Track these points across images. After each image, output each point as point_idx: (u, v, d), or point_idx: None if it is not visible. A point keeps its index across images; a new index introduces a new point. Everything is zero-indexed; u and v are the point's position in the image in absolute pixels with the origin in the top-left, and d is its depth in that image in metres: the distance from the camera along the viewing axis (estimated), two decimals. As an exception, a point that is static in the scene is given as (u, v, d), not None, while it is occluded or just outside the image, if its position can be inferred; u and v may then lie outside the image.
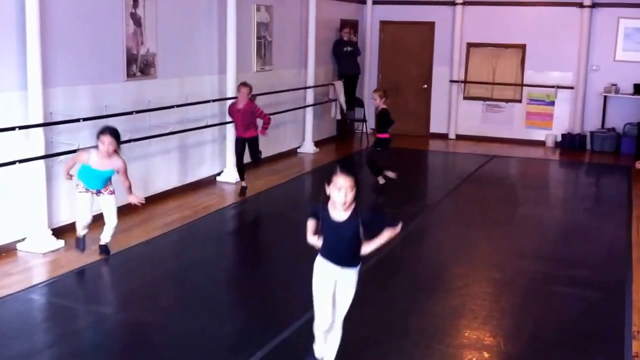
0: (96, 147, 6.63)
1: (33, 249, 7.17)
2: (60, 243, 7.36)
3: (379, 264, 6.83)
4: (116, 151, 6.68)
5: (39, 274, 6.79)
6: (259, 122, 9.69)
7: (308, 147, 13.42)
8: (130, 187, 6.89)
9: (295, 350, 5.11)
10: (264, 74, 11.82)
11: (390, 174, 10.53)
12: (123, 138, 8.24)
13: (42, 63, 7.08)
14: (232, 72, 10.42)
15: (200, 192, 9.89)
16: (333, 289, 4.48)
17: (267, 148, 12.10)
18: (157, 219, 8.52)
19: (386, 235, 4.46)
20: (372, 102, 11.09)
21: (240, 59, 10.61)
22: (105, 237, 7.06)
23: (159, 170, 9.41)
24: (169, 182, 9.60)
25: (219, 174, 10.72)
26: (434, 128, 15.73)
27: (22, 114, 7.09)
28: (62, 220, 7.72)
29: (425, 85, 15.68)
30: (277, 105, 11.95)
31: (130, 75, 8.63)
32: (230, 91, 10.37)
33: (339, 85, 14.23)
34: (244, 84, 9.41)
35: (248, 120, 9.44)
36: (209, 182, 10.45)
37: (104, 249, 7.10)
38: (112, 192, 6.90)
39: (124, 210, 7.87)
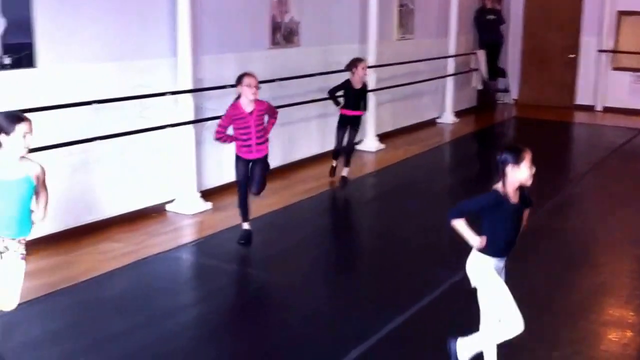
0: None
1: (182, 210, 7.51)
2: (208, 205, 7.66)
3: (520, 238, 6.64)
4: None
5: (187, 234, 7.10)
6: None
7: (448, 117, 13.21)
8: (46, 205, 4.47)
9: (435, 316, 5.09)
10: (404, 42, 11.70)
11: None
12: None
13: (191, 31, 7.35)
14: (373, 40, 10.39)
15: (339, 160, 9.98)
16: None
17: (406, 118, 12.06)
18: (297, 185, 8.68)
19: (527, 217, 4.19)
20: (357, 73, 8.50)
21: (381, 28, 10.57)
22: None
23: (300, 138, 9.56)
24: (310, 150, 9.74)
25: (358, 143, 10.76)
26: (579, 99, 15.02)
27: (172, 80, 7.40)
28: (210, 183, 8.03)
29: (572, 55, 14.99)
30: (416, 74, 11.82)
31: (274, 43, 8.80)
32: (372, 59, 10.35)
33: (481, 54, 13.88)
34: (250, 74, 6.35)
35: (261, 127, 6.46)
36: (348, 150, 10.51)
37: None
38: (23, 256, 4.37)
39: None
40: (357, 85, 8.55)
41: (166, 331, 4.97)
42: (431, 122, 12.98)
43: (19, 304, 5.17)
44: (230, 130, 6.41)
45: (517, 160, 3.87)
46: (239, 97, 6.36)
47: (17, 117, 4.21)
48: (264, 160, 6.56)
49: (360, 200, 8.57)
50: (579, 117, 14.34)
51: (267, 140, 6.51)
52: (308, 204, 8.10)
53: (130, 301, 5.48)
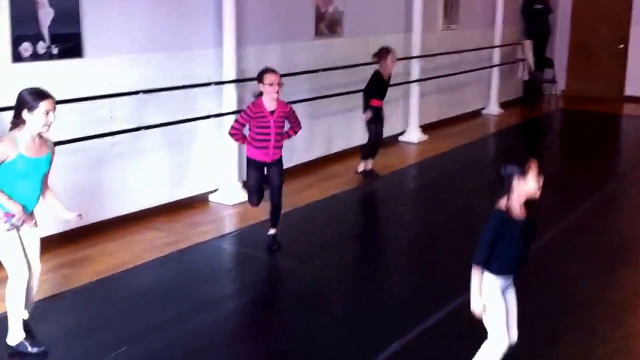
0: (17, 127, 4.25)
1: (224, 200, 7.56)
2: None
3: (562, 235, 6.56)
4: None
5: (228, 225, 7.16)
6: None
7: (493, 108, 13.05)
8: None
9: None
10: (449, 32, 11.58)
11: None
12: (308, 96, 8.48)
13: (236, 22, 7.37)
14: (418, 30, 10.31)
15: (382, 152, 9.90)
16: None
17: (450, 109, 11.95)
18: (337, 177, 8.66)
19: None
20: (386, 63, 8.35)
21: (426, 17, 10.47)
22: (29, 308, 4.53)
23: (342, 129, 9.54)
24: (351, 141, 9.71)
25: (401, 134, 10.71)
26: (629, 91, 14.66)
27: (216, 71, 7.44)
28: (251, 173, 8.06)
29: (622, 46, 14.65)
30: (461, 65, 11.69)
31: (318, 33, 8.79)
32: (416, 50, 10.28)
33: (528, 44, 13.66)
34: (272, 71, 5.97)
35: (280, 131, 6.07)
36: (391, 142, 10.45)
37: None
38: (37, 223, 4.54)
39: (303, 168, 8.09)
40: (386, 76, 8.43)
41: (207, 322, 5.01)
42: (476, 113, 12.83)
43: (63, 292, 5.32)
44: (245, 130, 6.08)
45: (523, 172, 3.61)
46: (259, 94, 5.98)
47: (41, 93, 4.22)
48: (280, 163, 6.14)
49: (400, 192, 8.53)
50: (628, 109, 14.01)
51: (282, 145, 6.11)
52: (348, 196, 8.09)
53: (172, 291, 5.55)
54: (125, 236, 6.51)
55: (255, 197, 6.19)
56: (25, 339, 4.40)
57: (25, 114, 4.17)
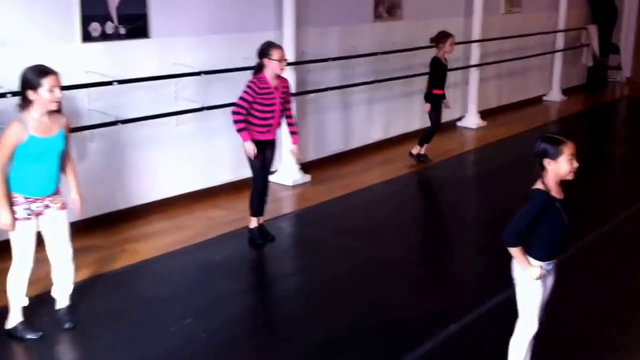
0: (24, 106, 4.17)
1: (283, 181, 7.63)
2: (307, 177, 7.75)
3: (627, 223, 6.43)
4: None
5: (287, 205, 7.22)
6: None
7: (555, 95, 12.82)
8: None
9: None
10: (511, 16, 11.41)
11: None
12: (367, 79, 8.48)
13: (296, 5, 7.40)
14: (479, 14, 10.18)
15: (440, 136, 9.84)
16: None
17: (511, 95, 11.79)
18: (397, 161, 8.65)
19: None
20: (444, 48, 8.23)
21: (487, 1, 10.32)
22: (65, 292, 4.59)
23: (401, 113, 9.51)
24: (411, 125, 9.67)
25: (459, 119, 10.62)
26: (699, 78, 14.27)
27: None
28: (310, 156, 8.12)
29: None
30: (523, 50, 11.52)
31: (377, 16, 8.77)
32: (477, 34, 10.17)
33: (593, 29, 13.36)
34: (278, 46, 5.76)
35: (282, 107, 5.87)
36: (450, 126, 10.37)
37: (69, 316, 4.58)
38: (65, 205, 4.46)
39: (362, 151, 8.09)
40: (444, 60, 8.32)
41: (269, 297, 5.11)
42: (537, 100, 12.63)
43: (134, 265, 5.49)
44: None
45: (556, 154, 3.51)
46: (258, 69, 5.71)
47: (44, 70, 4.11)
48: (274, 145, 5.95)
49: (457, 178, 8.45)
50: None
51: (281, 122, 5.92)
52: (407, 179, 8.08)
53: (235, 267, 5.66)
54: (194, 212, 6.70)
55: (261, 178, 5.95)
56: (21, 323, 4.42)
57: (30, 94, 4.07)
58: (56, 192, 4.35)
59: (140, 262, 5.58)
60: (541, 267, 3.64)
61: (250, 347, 4.50)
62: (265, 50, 5.67)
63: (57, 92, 4.12)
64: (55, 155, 4.26)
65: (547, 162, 3.53)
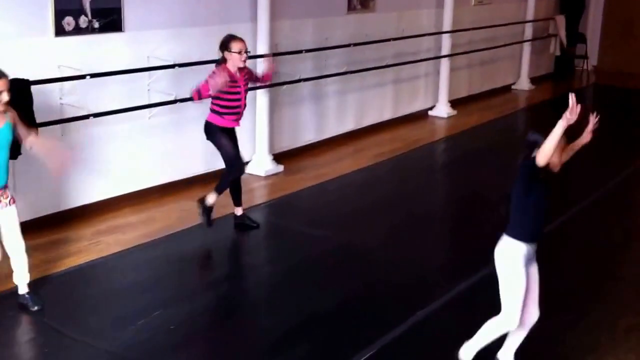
0: None
1: (255, 171, 7.73)
2: (280, 168, 7.87)
3: (592, 207, 6.61)
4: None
5: (260, 195, 7.32)
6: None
7: (523, 84, 13.05)
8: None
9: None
10: (481, 7, 11.57)
11: None
12: (340, 70, 8.60)
13: (270, -3, 7.48)
14: (450, 5, 10.33)
15: (412, 126, 10.03)
16: None
17: (480, 84, 11.97)
18: (369, 149, 8.80)
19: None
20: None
21: (458, -8, 10.49)
22: (23, 281, 4.72)
23: (373, 103, 9.64)
24: (382, 115, 9.82)
25: (430, 109, 10.79)
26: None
27: (251, 45, 7.56)
28: (283, 146, 8.24)
29: (658, 21, 14.48)
30: (493, 40, 11.70)
31: (351, 8, 8.88)
32: (447, 25, 10.32)
33: (561, 19, 13.58)
34: (239, 39, 5.84)
35: (246, 95, 6.03)
36: (421, 116, 10.54)
37: (33, 298, 4.71)
38: (14, 200, 4.57)
39: (335, 141, 8.20)
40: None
41: (240, 287, 5.23)
42: (506, 89, 12.84)
43: (105, 257, 5.55)
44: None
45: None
46: (221, 61, 5.81)
47: None
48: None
49: (429, 166, 8.63)
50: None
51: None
52: (379, 168, 8.22)
53: (207, 258, 5.77)
54: (165, 204, 6.75)
55: (240, 162, 6.06)
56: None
57: None
58: (5, 187, 4.44)
59: (111, 255, 5.63)
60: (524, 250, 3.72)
61: (220, 335, 4.61)
62: (225, 43, 5.78)
63: (5, 95, 4.22)
64: (3, 147, 4.35)
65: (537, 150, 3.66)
